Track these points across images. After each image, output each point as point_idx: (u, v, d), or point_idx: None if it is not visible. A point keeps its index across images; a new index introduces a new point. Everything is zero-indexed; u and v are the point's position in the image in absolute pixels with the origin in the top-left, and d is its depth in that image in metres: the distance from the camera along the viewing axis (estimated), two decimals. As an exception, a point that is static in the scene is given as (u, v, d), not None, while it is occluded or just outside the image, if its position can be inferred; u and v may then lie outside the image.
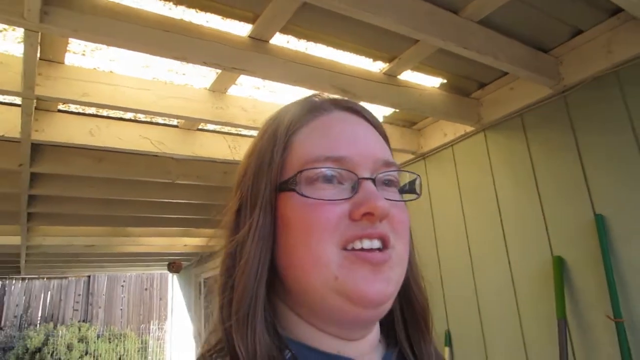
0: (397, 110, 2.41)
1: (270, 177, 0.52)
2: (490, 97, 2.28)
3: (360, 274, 0.47)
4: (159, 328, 9.85)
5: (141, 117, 2.23)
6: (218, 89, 2.02)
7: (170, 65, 1.85)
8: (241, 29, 1.65)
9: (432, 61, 1.97)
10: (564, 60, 1.96)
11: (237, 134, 2.54)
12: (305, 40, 1.76)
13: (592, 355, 1.83)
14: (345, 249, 0.48)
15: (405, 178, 0.57)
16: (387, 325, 0.58)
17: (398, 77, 2.04)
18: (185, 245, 5.41)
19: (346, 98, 0.60)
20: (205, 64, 1.56)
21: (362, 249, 0.48)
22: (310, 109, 0.56)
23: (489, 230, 2.28)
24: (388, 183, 0.53)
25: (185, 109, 1.95)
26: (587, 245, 1.87)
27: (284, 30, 1.68)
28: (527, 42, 1.86)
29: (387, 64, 1.95)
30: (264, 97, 2.15)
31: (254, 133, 2.51)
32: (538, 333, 2.02)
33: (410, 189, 0.57)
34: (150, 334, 9.89)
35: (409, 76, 2.08)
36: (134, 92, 1.84)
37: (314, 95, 0.60)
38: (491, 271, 2.25)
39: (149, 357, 9.75)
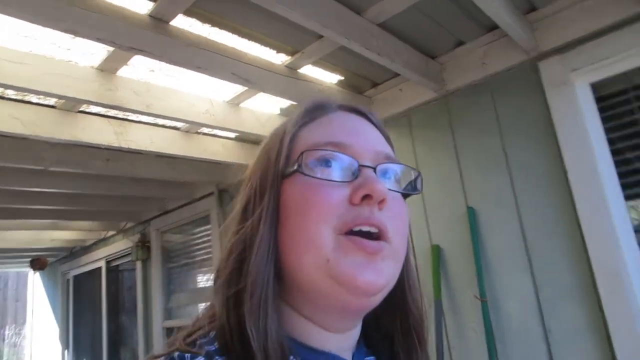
0: (294, 104, 2.45)
1: (277, 166, 0.52)
2: (381, 96, 2.43)
3: (352, 260, 0.47)
4: (15, 333, 8.74)
5: (10, 93, 1.97)
6: (107, 68, 1.87)
7: (53, 38, 1.66)
8: (141, 6, 1.54)
9: (331, 58, 2.04)
10: (447, 68, 2.17)
11: (125, 119, 2.36)
12: (209, 25, 1.70)
13: (461, 331, 2.07)
14: (341, 234, 0.48)
15: (407, 178, 0.57)
16: (383, 332, 0.59)
17: (299, 70, 2.08)
18: (52, 240, 4.88)
19: (352, 103, 0.62)
20: (99, 40, 1.43)
21: (360, 232, 0.48)
22: (317, 108, 0.58)
23: (377, 221, 2.43)
24: (389, 177, 0.54)
25: (69, 88, 1.77)
26: (461, 234, 2.11)
27: (188, 13, 1.61)
28: (418, 48, 2.03)
29: (290, 56, 1.98)
30: (160, 80, 2.04)
31: (145, 119, 2.36)
32: (419, 314, 2.22)
33: (412, 187, 0.57)
34: (5, 341, 8.74)
35: (309, 70, 2.13)
36: (6, 65, 1.62)
37: (323, 98, 0.61)
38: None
39: (2, 367, 8.62)
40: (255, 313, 0.46)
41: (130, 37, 1.50)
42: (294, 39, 1.85)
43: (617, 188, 1.76)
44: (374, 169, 0.51)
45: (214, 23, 1.70)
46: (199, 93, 2.19)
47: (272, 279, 0.49)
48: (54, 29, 1.37)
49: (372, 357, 0.58)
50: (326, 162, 0.50)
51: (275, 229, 0.50)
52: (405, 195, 0.56)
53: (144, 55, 1.58)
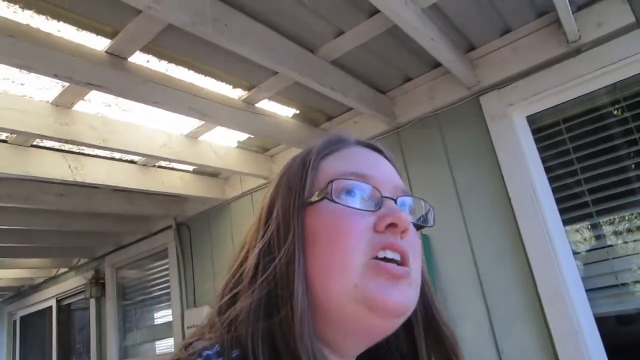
0: (252, 137, 2.51)
1: (302, 195, 0.54)
2: (336, 128, 2.52)
3: (380, 283, 0.49)
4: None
5: (-41, 128, 1.93)
6: (63, 103, 1.87)
7: (5, 74, 1.66)
8: (98, 43, 1.58)
9: (287, 93, 2.12)
10: (397, 102, 2.29)
11: (80, 153, 2.34)
12: (166, 62, 1.75)
13: (420, 356, 2.11)
14: (368, 259, 0.50)
15: (419, 212, 0.60)
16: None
17: (255, 105, 2.15)
18: (-1, 279, 4.64)
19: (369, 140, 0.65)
20: (56, 77, 1.45)
21: (384, 258, 0.51)
22: (337, 141, 0.61)
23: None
24: (406, 210, 0.57)
25: (23, 123, 1.76)
26: (416, 260, 2.17)
27: (145, 50, 1.65)
28: (369, 83, 2.14)
29: (247, 91, 2.04)
30: (117, 115, 2.05)
31: (101, 153, 2.35)
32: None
33: (423, 220, 0.60)
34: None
35: (265, 105, 2.19)
36: (-44, 99, 1.60)
37: (341, 133, 0.64)
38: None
39: None
40: (307, 342, 0.47)
41: (88, 74, 1.53)
42: (250, 74, 1.92)
43: (555, 213, 1.89)
44: (395, 200, 0.54)
45: (170, 59, 1.75)
46: (157, 127, 2.22)
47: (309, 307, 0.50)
48: (7, 65, 1.38)
49: None
50: (351, 192, 0.53)
51: (304, 257, 0.52)
52: (417, 227, 0.59)
53: (102, 91, 1.61)
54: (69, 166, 2.29)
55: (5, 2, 1.35)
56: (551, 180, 1.92)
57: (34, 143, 2.16)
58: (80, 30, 1.51)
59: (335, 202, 0.52)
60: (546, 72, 1.88)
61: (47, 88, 1.80)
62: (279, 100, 2.20)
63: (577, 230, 1.93)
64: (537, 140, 1.97)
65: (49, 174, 2.22)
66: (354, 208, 0.52)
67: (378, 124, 2.31)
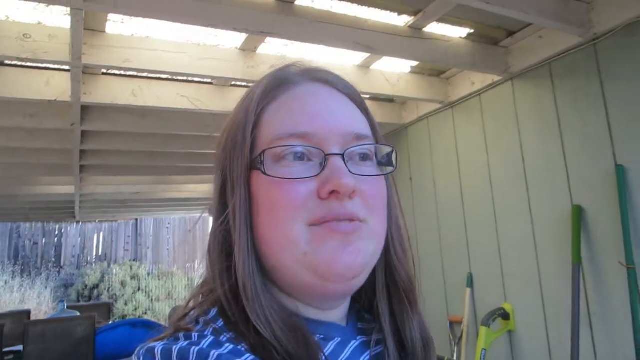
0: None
1: (243, 155, 0.51)
2: (518, 45, 2.26)
3: (329, 247, 0.47)
4: (203, 267, 10.44)
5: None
6: (248, 47, 2.11)
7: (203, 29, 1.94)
8: (269, -8, 1.71)
9: (458, 12, 1.97)
10: (596, 7, 1.92)
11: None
12: (330, -1, 1.80)
13: (604, 299, 1.93)
14: (313, 225, 0.47)
15: (382, 151, 0.54)
16: (370, 299, 0.58)
17: (424, 29, 2.06)
18: (224, 191, 5.66)
19: (319, 68, 0.57)
20: (235, 29, 1.65)
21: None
22: (280, 83, 0.54)
23: (513, 178, 2.34)
24: (363, 157, 0.52)
25: (218, 70, 2.06)
26: (606, 195, 1.92)
27: (309, -10, 1.73)
28: (555, -9, 1.84)
29: (413, 17, 1.97)
30: (293, 53, 2.22)
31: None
32: (554, 277, 2.13)
33: (387, 161, 0.55)
34: (195, 272, 10.55)
35: (434, 28, 2.09)
36: (170, 55, 1.95)
37: (287, 66, 0.57)
38: (513, 217, 2.34)
39: (196, 293, 10.39)
40: (253, 307, 0.46)
41: (260, 22, 1.69)
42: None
43: None
44: (342, 155, 0.49)
45: (334, -5, 1.79)
46: (331, 60, 2.33)
47: (257, 272, 0.49)
48: (200, 25, 1.63)
49: (360, 323, 0.58)
50: (292, 156, 0.49)
51: (250, 222, 0.50)
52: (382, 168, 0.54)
53: (274, 37, 1.76)
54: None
55: (192, -32, 1.56)
56: None
57: (232, 83, 2.50)
58: (251, -18, 1.66)
59: (268, 176, 0.48)
60: None
61: (235, 36, 2.04)
62: (449, 22, 2.07)
63: None
64: None
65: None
66: (291, 179, 0.48)
67: (568, 36, 1.99)
